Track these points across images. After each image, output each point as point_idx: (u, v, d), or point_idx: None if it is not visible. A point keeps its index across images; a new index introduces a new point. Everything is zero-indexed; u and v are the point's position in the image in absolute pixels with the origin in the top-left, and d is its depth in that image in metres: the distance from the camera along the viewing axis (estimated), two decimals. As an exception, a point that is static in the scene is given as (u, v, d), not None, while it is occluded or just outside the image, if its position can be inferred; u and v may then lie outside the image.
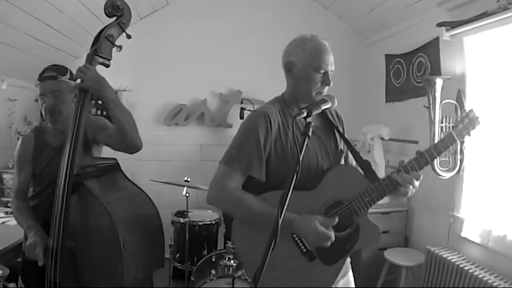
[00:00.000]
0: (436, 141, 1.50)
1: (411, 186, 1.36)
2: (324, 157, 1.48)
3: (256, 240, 1.34)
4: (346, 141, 1.55)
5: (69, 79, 1.74)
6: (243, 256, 1.43)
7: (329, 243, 1.29)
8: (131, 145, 1.60)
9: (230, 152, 1.40)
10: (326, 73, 1.42)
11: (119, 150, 1.70)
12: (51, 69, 1.72)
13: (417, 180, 1.37)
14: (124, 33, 1.61)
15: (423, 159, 1.41)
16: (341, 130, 1.58)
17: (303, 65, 1.42)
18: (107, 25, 1.58)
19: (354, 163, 1.59)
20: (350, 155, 1.61)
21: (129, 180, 1.72)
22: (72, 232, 1.52)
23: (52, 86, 1.69)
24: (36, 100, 1.81)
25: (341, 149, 1.56)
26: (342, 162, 1.60)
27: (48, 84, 1.69)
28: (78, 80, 1.57)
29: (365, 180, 1.40)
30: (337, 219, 1.33)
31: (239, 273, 2.50)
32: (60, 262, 1.50)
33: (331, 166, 1.47)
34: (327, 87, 1.45)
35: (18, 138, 1.88)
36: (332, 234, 1.29)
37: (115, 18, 1.59)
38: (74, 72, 1.80)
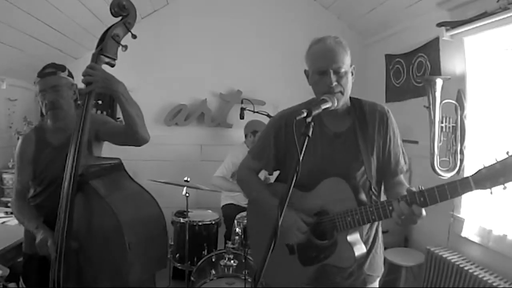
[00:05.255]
0: (445, 183, 1.18)
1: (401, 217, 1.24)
2: (331, 163, 1.45)
3: (262, 222, 1.52)
4: (375, 149, 1.47)
5: (68, 76, 1.76)
6: (251, 237, 1.81)
7: (300, 235, 1.41)
8: (141, 138, 1.64)
9: (254, 143, 1.74)
10: (325, 72, 1.37)
11: (125, 144, 1.71)
12: (50, 66, 1.74)
13: (418, 216, 1.22)
14: (129, 33, 1.60)
15: (420, 198, 1.21)
16: (378, 137, 1.48)
17: (311, 71, 1.44)
18: (113, 25, 1.57)
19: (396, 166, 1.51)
20: (391, 161, 1.51)
21: (133, 180, 1.71)
22: (76, 232, 1.51)
23: (53, 81, 1.70)
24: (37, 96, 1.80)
25: (362, 160, 1.46)
26: (365, 170, 1.48)
27: (48, 79, 1.70)
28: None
29: (354, 200, 1.36)
30: (311, 221, 1.42)
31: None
32: (64, 262, 1.49)
33: (334, 174, 1.42)
34: (339, 88, 1.37)
35: (18, 138, 1.88)
36: (304, 227, 1.41)
37: (120, 18, 1.58)
38: (72, 71, 1.81)
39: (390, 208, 1.28)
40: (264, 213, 1.51)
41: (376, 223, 1.53)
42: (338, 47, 1.40)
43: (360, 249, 1.39)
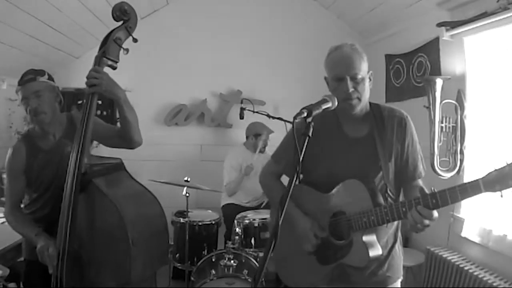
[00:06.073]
0: (456, 185, 1.19)
1: (418, 224, 1.24)
2: (350, 168, 1.47)
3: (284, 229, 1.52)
4: (393, 155, 1.50)
5: (48, 79, 1.76)
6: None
7: (308, 248, 1.47)
8: (135, 143, 1.72)
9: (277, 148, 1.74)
10: (342, 79, 1.42)
11: (118, 147, 1.75)
12: (29, 72, 1.73)
13: (428, 219, 1.23)
14: (130, 37, 1.64)
15: (432, 200, 1.22)
16: (396, 142, 1.51)
17: (330, 78, 1.49)
18: (115, 29, 1.60)
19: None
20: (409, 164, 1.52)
21: (134, 179, 1.75)
22: (80, 229, 1.53)
23: (34, 87, 1.69)
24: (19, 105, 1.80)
25: (380, 165, 1.48)
26: (386, 174, 1.50)
27: (29, 86, 1.70)
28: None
29: (370, 202, 1.38)
30: (325, 234, 1.46)
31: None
32: (68, 260, 1.50)
33: (352, 177, 1.44)
34: (356, 94, 1.43)
35: (18, 138, 1.87)
36: (313, 242, 1.46)
37: (122, 22, 1.61)
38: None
39: (404, 209, 1.29)
40: (286, 220, 1.48)
41: (395, 226, 1.56)
42: (355, 54, 1.46)
43: (375, 250, 1.40)
